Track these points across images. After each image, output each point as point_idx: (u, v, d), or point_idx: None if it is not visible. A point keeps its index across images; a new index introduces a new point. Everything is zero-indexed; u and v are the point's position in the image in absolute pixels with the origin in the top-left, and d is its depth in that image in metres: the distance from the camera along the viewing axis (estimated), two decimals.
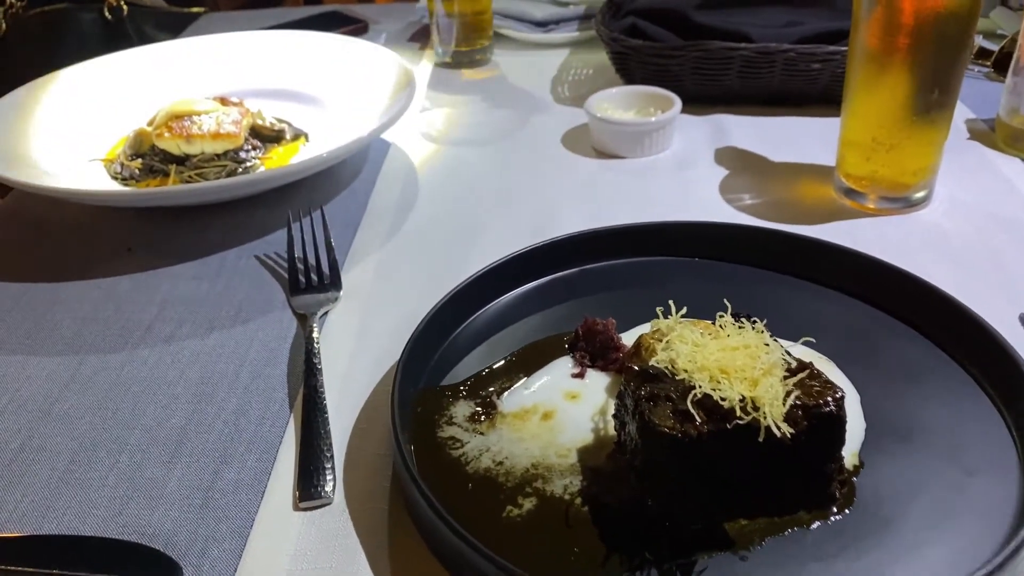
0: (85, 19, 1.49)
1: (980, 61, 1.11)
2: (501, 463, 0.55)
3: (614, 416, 0.55)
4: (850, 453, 0.54)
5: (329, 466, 0.57)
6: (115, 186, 0.90)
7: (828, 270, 0.69)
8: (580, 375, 0.61)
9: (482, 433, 0.57)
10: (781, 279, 0.70)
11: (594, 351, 0.62)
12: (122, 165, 0.92)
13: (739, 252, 0.72)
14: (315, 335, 0.68)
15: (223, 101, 0.96)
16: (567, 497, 0.52)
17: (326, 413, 0.61)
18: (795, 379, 0.48)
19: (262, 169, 0.92)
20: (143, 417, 0.63)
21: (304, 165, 0.83)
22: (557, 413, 0.58)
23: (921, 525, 0.50)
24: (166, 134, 0.90)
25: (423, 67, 1.26)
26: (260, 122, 0.97)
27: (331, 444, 0.58)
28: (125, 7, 1.48)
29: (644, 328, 0.65)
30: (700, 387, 0.48)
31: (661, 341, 0.55)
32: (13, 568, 0.50)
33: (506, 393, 0.60)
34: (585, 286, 0.72)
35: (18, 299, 0.77)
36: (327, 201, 0.90)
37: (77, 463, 0.59)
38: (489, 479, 0.54)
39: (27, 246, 0.86)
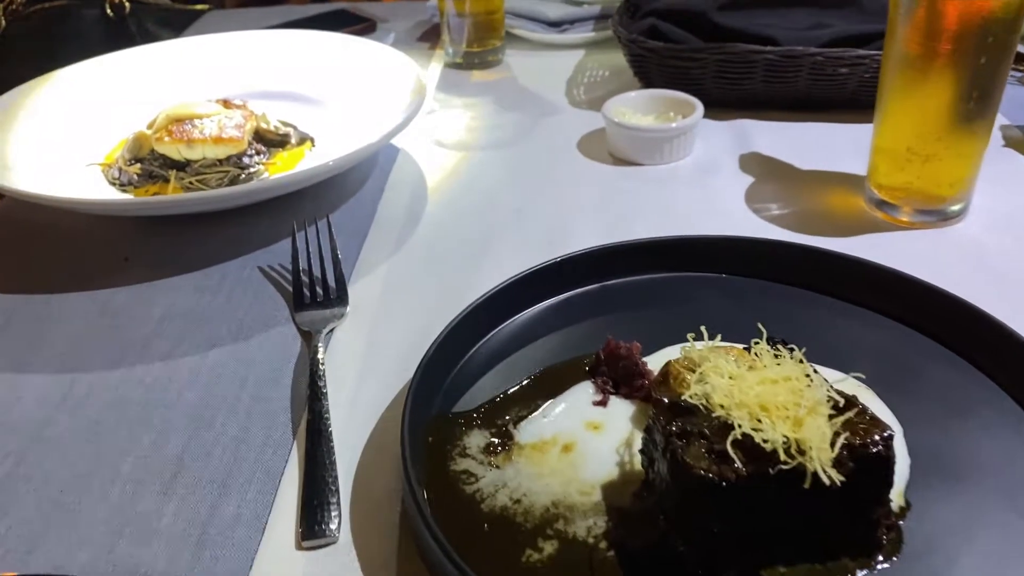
0: (87, 16, 1.46)
1: (1016, 66, 1.06)
2: (519, 501, 0.51)
3: (641, 451, 0.51)
4: (896, 493, 0.50)
5: (334, 501, 0.53)
6: (112, 193, 0.86)
7: (865, 290, 0.65)
8: (602, 403, 0.58)
9: (498, 467, 0.53)
10: (814, 298, 0.67)
11: (617, 377, 0.58)
12: (120, 170, 0.88)
13: (771, 269, 0.68)
14: (320, 355, 0.64)
15: (226, 104, 0.93)
16: (591, 540, 0.48)
17: (331, 442, 0.57)
18: (842, 418, 0.44)
19: (266, 175, 0.88)
20: (138, 443, 0.59)
21: (310, 173, 0.79)
22: (578, 445, 0.54)
23: (975, 574, 0.46)
24: (166, 138, 0.86)
25: (433, 68, 1.22)
26: (264, 125, 0.93)
27: (336, 476, 0.55)
28: (127, 4, 1.45)
29: (670, 351, 0.61)
30: (740, 426, 0.44)
31: (692, 371, 0.51)
32: None
33: (523, 422, 0.57)
34: (606, 304, 0.68)
35: (9, 313, 0.73)
36: (334, 209, 0.86)
37: (67, 493, 0.56)
38: (506, 519, 0.50)
39: (20, 255, 0.82)
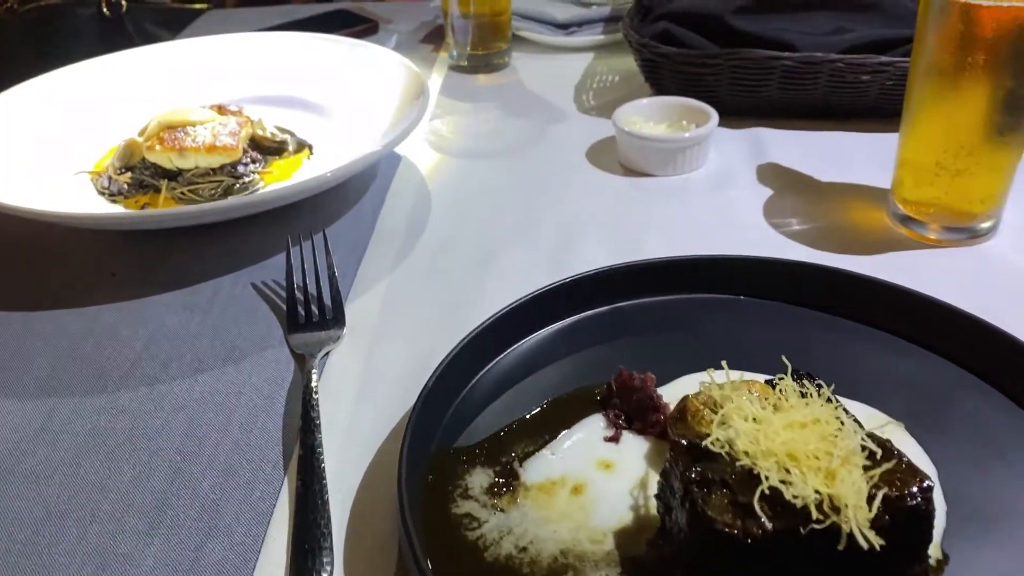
0: (82, 15, 1.42)
1: None
2: (525, 549, 0.47)
3: (657, 496, 0.47)
4: (932, 546, 0.46)
5: (327, 545, 0.49)
6: (101, 203, 0.83)
7: (893, 316, 0.61)
8: (614, 439, 0.54)
9: (502, 510, 0.50)
10: (838, 323, 0.63)
11: (630, 410, 0.55)
12: (110, 179, 0.84)
13: (792, 292, 0.64)
14: (314, 383, 0.60)
15: (220, 110, 0.89)
16: None
17: (324, 479, 0.53)
18: (879, 471, 0.41)
19: (261, 184, 0.85)
20: (119, 477, 0.56)
21: (307, 185, 0.75)
22: (588, 486, 0.51)
23: None
24: (157, 147, 0.82)
25: (436, 71, 1.18)
26: (261, 132, 0.90)
27: (329, 519, 0.51)
28: (124, 3, 1.41)
29: (686, 382, 0.57)
30: (767, 478, 0.40)
31: (712, 409, 0.47)
32: None
33: (529, 459, 0.53)
34: (617, 328, 0.64)
35: None
36: (331, 220, 0.83)
37: (41, 533, 0.52)
38: (511, 569, 0.46)
39: (3, 270, 0.79)
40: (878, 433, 0.45)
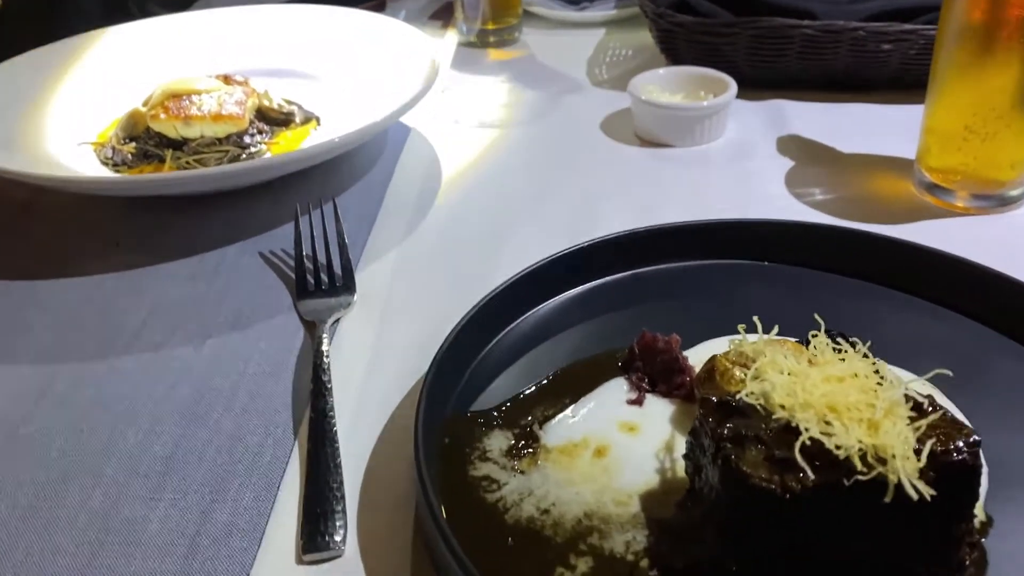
0: None
1: None
2: (547, 511, 0.45)
3: (685, 457, 0.45)
4: (976, 507, 0.44)
5: (339, 509, 0.47)
6: (104, 172, 0.81)
7: (925, 279, 0.59)
8: (637, 401, 0.52)
9: (523, 472, 0.48)
10: (868, 288, 0.61)
11: (654, 373, 0.53)
12: (113, 149, 0.83)
13: (819, 256, 0.62)
14: (325, 347, 0.58)
15: (226, 80, 0.87)
16: (630, 557, 0.43)
17: (337, 443, 0.51)
18: (925, 421, 0.38)
19: (268, 155, 0.83)
20: (123, 442, 0.54)
21: (314, 151, 0.73)
22: (612, 449, 0.49)
23: None
24: (162, 115, 0.80)
25: (446, 47, 1.16)
26: (267, 103, 0.88)
27: (342, 482, 0.49)
28: None
29: (712, 345, 0.55)
30: (807, 429, 0.38)
31: (743, 367, 0.45)
32: None
33: (549, 422, 0.51)
34: (637, 294, 0.62)
35: None
36: (340, 192, 0.80)
37: (43, 498, 0.50)
38: (533, 532, 0.44)
39: (4, 237, 0.77)
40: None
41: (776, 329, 0.49)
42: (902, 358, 0.53)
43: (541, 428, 0.50)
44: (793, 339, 0.51)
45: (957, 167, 0.71)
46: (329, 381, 0.56)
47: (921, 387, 0.50)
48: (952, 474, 0.38)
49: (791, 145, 0.84)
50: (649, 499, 0.46)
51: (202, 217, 0.77)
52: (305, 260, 0.68)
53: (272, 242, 0.74)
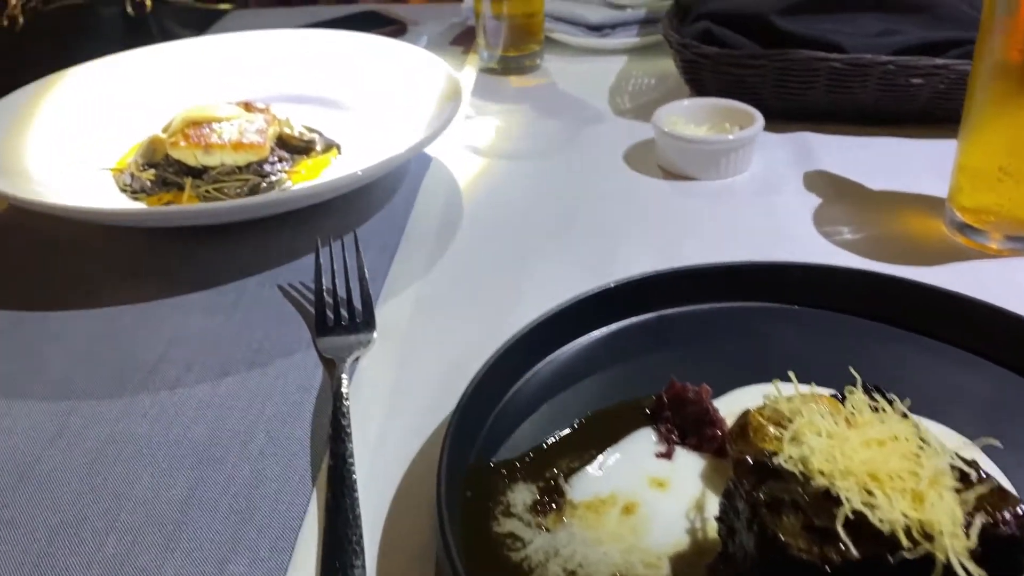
0: (106, 14, 1.40)
1: None
2: (574, 573, 0.44)
3: (718, 519, 0.44)
4: None
5: (359, 563, 0.46)
6: (122, 201, 0.80)
7: (958, 327, 0.58)
8: (667, 455, 0.50)
9: (548, 529, 0.46)
10: (901, 336, 0.59)
11: (684, 424, 0.51)
12: (132, 176, 0.82)
13: (851, 301, 0.60)
14: (344, 388, 0.57)
15: (247, 107, 0.86)
16: None
17: (356, 492, 0.50)
18: (974, 493, 0.37)
19: (289, 184, 0.82)
20: (137, 485, 0.53)
21: (337, 183, 0.72)
22: (641, 506, 0.47)
23: None
24: (182, 143, 0.80)
25: (467, 73, 1.15)
26: (288, 131, 0.87)
27: (361, 534, 0.47)
28: (149, 2, 1.39)
29: (741, 394, 0.54)
30: (848, 500, 0.37)
31: (780, 424, 0.44)
32: None
33: (575, 475, 0.49)
34: (663, 337, 0.61)
35: (3, 332, 0.67)
36: (360, 222, 0.80)
37: (56, 544, 0.49)
38: None
39: (19, 267, 0.76)
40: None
41: (811, 384, 0.47)
42: (937, 410, 0.52)
43: (567, 481, 0.49)
44: (826, 390, 0.49)
45: (991, 207, 0.70)
46: (348, 425, 0.54)
47: (964, 449, 0.49)
48: (999, 549, 0.37)
49: (818, 180, 0.83)
50: (679, 561, 0.44)
51: (222, 247, 0.76)
52: (325, 294, 0.67)
53: (292, 274, 0.73)
